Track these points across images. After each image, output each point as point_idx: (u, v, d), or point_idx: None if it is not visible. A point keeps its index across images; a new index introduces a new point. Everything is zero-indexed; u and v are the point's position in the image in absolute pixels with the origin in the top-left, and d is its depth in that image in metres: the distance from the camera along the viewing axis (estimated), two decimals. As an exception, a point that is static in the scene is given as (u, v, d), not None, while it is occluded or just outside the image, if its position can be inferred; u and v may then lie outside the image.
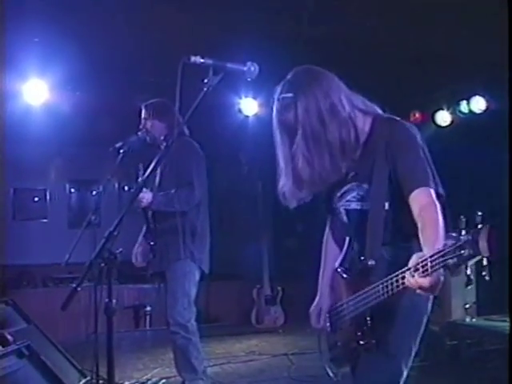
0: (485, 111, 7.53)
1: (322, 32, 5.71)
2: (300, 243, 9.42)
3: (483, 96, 7.53)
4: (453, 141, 8.14)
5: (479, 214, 1.89)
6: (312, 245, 9.65)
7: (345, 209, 2.68)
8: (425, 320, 2.60)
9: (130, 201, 2.87)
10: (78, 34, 5.59)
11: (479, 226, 1.88)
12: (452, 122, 8.40)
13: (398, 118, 2.62)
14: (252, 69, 2.57)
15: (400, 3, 5.30)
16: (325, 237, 3.02)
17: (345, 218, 2.70)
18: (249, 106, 8.04)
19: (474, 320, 6.52)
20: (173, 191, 4.59)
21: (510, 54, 2.26)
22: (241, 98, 7.96)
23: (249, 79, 2.56)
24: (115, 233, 2.49)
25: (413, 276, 2.09)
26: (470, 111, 7.77)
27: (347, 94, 2.60)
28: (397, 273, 2.24)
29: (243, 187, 9.24)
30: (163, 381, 5.57)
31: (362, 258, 2.52)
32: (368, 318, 2.49)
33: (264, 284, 8.32)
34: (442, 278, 2.09)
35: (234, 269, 9.16)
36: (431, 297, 2.55)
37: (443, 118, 8.43)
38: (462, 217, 1.94)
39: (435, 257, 2.00)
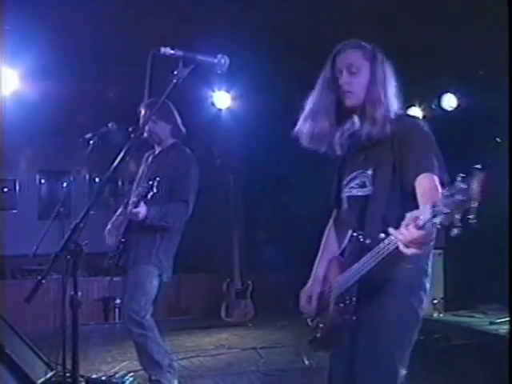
0: (456, 108, 7.58)
1: (292, 22, 5.70)
2: (271, 237, 9.43)
3: (454, 93, 7.58)
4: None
5: (477, 166, 1.91)
6: (283, 239, 9.70)
7: (347, 196, 2.76)
8: (417, 305, 2.61)
9: (96, 193, 2.83)
10: (50, 23, 5.51)
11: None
12: (424, 118, 8.46)
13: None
14: (222, 61, 2.55)
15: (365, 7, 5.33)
16: (327, 228, 3.06)
17: (345, 205, 2.77)
18: (222, 99, 8.02)
19: (441, 315, 6.60)
20: (167, 206, 4.53)
21: (510, 53, 2.29)
22: (214, 91, 7.93)
23: (219, 72, 2.54)
24: (81, 225, 2.47)
25: (407, 228, 2.10)
26: (441, 108, 7.83)
27: None
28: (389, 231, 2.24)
29: (215, 180, 9.21)
30: (131, 374, 5.54)
31: (361, 239, 2.57)
32: (353, 294, 2.54)
33: (234, 277, 8.32)
34: (433, 235, 2.13)
35: (204, 262, 9.15)
36: (423, 282, 2.61)
37: (415, 114, 8.49)
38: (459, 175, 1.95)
39: (428, 207, 2.03)
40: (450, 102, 7.72)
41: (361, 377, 2.60)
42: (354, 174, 2.71)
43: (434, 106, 7.85)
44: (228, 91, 7.92)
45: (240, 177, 9.23)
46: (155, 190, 4.20)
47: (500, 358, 4.80)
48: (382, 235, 2.26)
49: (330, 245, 2.99)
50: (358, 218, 2.66)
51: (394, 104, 2.66)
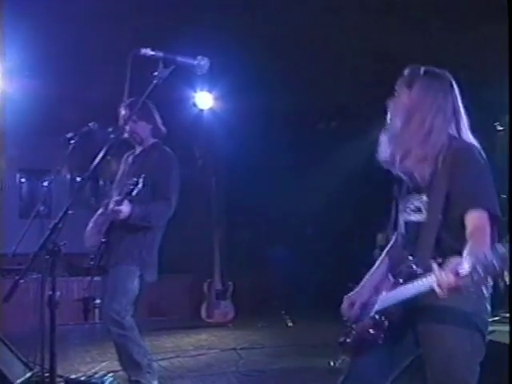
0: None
1: (273, 24, 5.73)
2: (252, 238, 9.45)
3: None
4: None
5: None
6: (264, 240, 9.70)
7: (403, 220, 2.77)
8: (482, 328, 2.62)
9: (75, 193, 2.84)
10: (31, 22, 5.49)
11: None
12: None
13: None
14: (202, 63, 2.56)
15: (345, 7, 5.37)
16: (388, 246, 3.04)
17: (403, 230, 2.78)
18: (204, 100, 8.05)
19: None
20: (150, 205, 4.51)
21: (510, 58, 2.32)
22: (196, 92, 7.95)
23: (199, 73, 2.55)
24: (60, 225, 2.47)
25: (446, 272, 2.15)
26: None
27: None
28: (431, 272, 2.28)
29: (197, 181, 9.21)
30: (110, 374, 5.53)
31: (413, 266, 2.56)
32: (387, 315, 2.61)
33: (215, 278, 8.32)
34: (471, 289, 2.17)
35: (185, 263, 9.13)
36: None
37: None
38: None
39: (469, 262, 2.08)
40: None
41: None
42: (409, 197, 2.73)
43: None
44: (210, 92, 7.95)
45: (222, 177, 9.24)
46: (141, 187, 4.20)
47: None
48: (434, 265, 2.26)
49: (386, 261, 2.98)
50: (412, 244, 2.68)
51: (440, 130, 2.63)
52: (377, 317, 2.67)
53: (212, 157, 9.22)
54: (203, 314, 8.26)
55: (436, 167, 2.58)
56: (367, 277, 2.99)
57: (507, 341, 4.83)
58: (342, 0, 5.30)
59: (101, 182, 10.01)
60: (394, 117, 2.74)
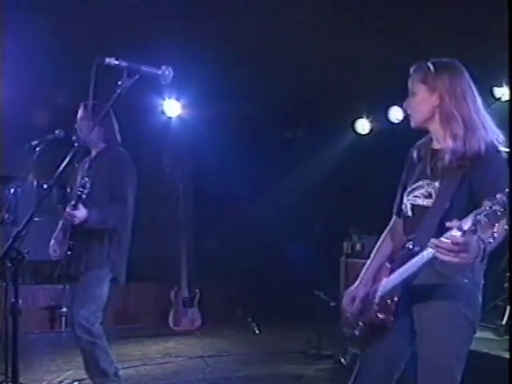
0: (402, 121, 7.75)
1: (241, 31, 5.77)
2: (218, 246, 9.45)
3: (401, 106, 7.73)
4: (373, 148, 8.38)
5: None
6: (231, 248, 9.70)
7: (411, 203, 2.83)
8: (472, 318, 2.70)
9: (39, 201, 2.83)
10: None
11: None
12: (371, 130, 8.63)
13: None
14: (166, 72, 2.58)
15: (322, 11, 5.42)
16: (383, 235, 3.10)
17: (409, 213, 2.84)
18: (172, 108, 8.06)
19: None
20: (107, 208, 4.51)
21: (510, 58, 2.37)
22: (164, 100, 7.97)
23: (163, 83, 2.57)
24: (23, 232, 2.47)
25: (449, 235, 2.24)
26: (388, 120, 8.00)
27: None
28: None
29: (164, 188, 9.20)
30: (76, 383, 5.50)
31: (410, 246, 2.65)
32: (394, 296, 2.67)
33: (182, 286, 8.29)
34: (480, 247, 2.28)
35: (152, 270, 9.09)
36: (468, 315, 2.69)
37: (363, 126, 8.66)
38: None
39: (470, 216, 2.19)
40: (396, 114, 7.91)
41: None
42: (420, 182, 2.80)
43: (381, 119, 8.03)
44: (178, 99, 7.97)
45: (189, 185, 9.24)
46: (87, 190, 4.22)
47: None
48: (432, 239, 2.34)
49: (382, 250, 3.04)
50: (415, 227, 2.75)
51: (469, 117, 2.71)
52: (382, 301, 2.73)
53: (180, 164, 9.21)
54: (170, 321, 8.23)
55: (461, 155, 2.65)
56: (365, 269, 3.04)
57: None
58: (309, 5, 5.34)
59: (68, 189, 9.94)
60: (416, 113, 2.86)
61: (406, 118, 7.92)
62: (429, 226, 2.63)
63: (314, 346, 6.65)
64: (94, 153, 4.82)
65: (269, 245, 9.22)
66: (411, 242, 2.68)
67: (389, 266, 2.82)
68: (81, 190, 4.23)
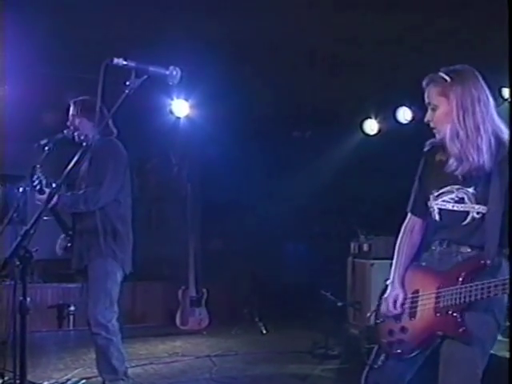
0: (410, 121, 7.75)
1: (249, 32, 5.77)
2: (226, 245, 9.47)
3: (409, 107, 7.75)
4: (381, 149, 8.37)
5: None
6: (238, 247, 9.71)
7: (439, 208, 2.87)
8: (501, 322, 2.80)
9: (46, 200, 2.85)
10: (4, 27, 5.48)
11: None
12: (379, 130, 8.62)
13: None
14: (174, 73, 2.59)
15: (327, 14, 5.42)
16: (401, 236, 3.12)
17: (437, 217, 2.88)
18: (180, 108, 8.06)
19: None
20: (78, 193, 4.57)
21: (510, 58, 2.38)
22: (172, 100, 7.97)
23: (170, 83, 2.59)
24: (31, 231, 2.49)
25: None
26: (396, 121, 7.99)
27: None
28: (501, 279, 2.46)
29: (173, 188, 9.23)
30: (83, 381, 5.52)
31: (481, 261, 2.66)
32: (460, 309, 2.68)
33: (189, 285, 8.31)
34: None
35: (159, 270, 9.13)
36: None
37: (371, 126, 8.65)
38: None
39: None
40: (404, 115, 7.89)
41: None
42: (448, 188, 2.84)
43: (389, 119, 8.02)
44: (187, 99, 7.97)
45: (197, 185, 9.25)
46: (35, 179, 4.40)
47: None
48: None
49: (405, 251, 3.07)
50: (452, 231, 2.81)
51: (484, 129, 2.75)
52: (451, 313, 2.71)
53: (188, 164, 9.23)
54: (178, 321, 8.25)
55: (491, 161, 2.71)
56: (394, 270, 3.06)
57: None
58: (315, 6, 5.34)
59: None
60: (441, 126, 2.87)
61: (414, 118, 7.95)
62: (491, 233, 2.67)
63: (320, 345, 6.65)
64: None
65: (277, 244, 9.22)
66: (480, 255, 2.69)
67: (433, 268, 2.86)
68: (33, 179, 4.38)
